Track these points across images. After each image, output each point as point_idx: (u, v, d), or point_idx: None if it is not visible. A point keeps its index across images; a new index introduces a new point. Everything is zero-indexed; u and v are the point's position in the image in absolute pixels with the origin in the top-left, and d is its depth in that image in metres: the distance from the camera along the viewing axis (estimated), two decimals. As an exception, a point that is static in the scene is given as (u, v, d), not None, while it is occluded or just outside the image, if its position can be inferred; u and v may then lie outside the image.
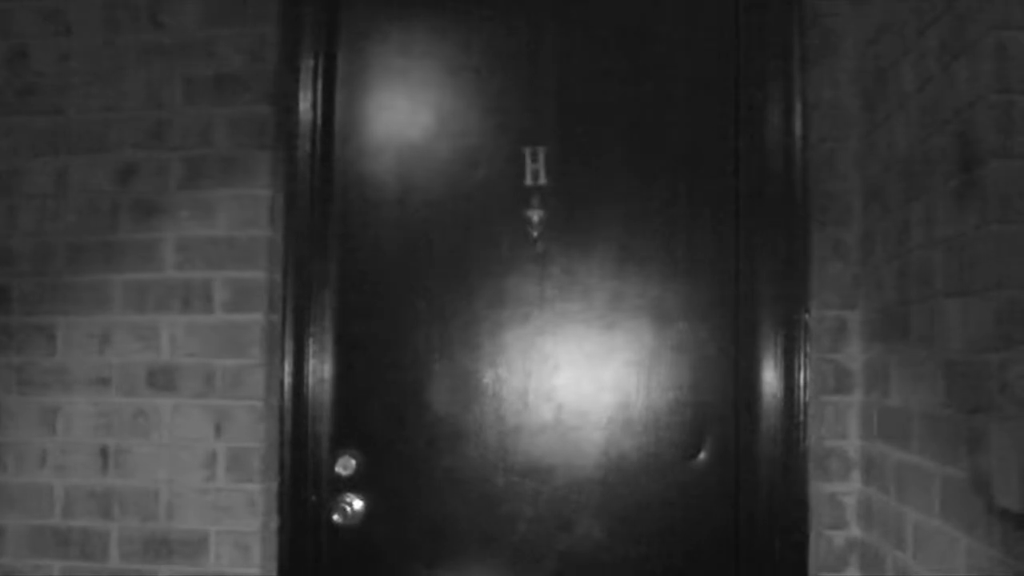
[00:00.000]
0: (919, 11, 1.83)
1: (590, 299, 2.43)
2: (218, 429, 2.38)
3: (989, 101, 1.52)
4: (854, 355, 2.24)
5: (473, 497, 2.44)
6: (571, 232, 2.45)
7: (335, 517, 2.42)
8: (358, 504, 2.46)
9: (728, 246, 2.40)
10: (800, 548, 2.26)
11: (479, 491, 2.44)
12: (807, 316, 2.29)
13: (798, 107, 2.34)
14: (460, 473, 2.45)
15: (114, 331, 2.43)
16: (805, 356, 2.29)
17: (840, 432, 2.24)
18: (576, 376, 2.42)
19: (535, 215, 2.45)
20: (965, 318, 1.61)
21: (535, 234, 2.45)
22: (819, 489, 2.24)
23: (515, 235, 2.45)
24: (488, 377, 2.43)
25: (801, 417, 2.29)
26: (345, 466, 2.46)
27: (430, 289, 2.48)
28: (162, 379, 2.41)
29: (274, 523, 2.42)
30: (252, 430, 2.37)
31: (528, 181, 2.47)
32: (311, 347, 2.47)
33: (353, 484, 2.47)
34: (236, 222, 2.40)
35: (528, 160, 2.47)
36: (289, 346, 2.45)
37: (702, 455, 2.37)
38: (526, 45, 2.52)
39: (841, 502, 2.22)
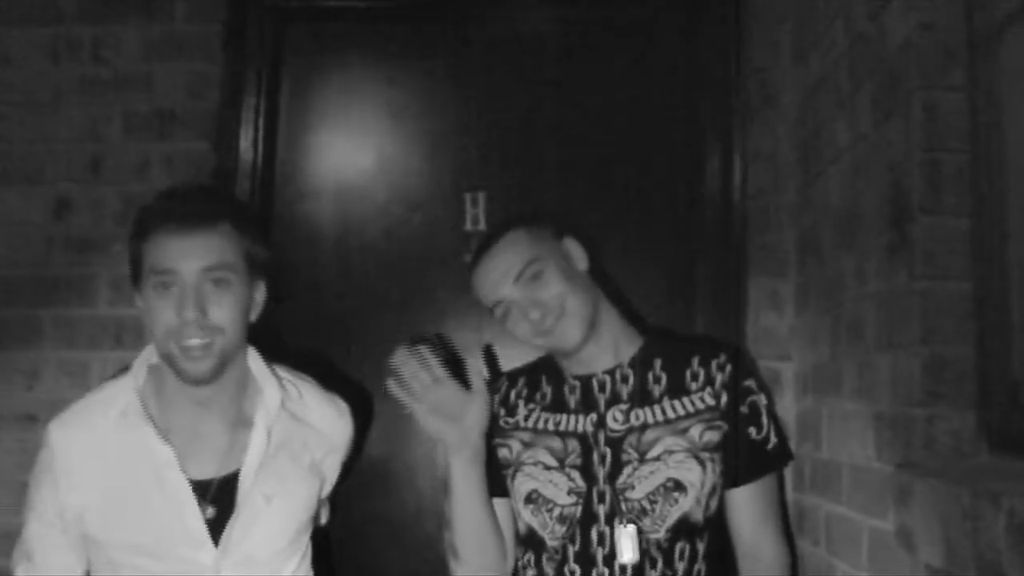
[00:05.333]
0: (853, 68, 1.86)
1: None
2: (147, 470, 2.31)
3: (918, 159, 1.54)
4: (788, 407, 2.24)
5: (406, 542, 2.42)
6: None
7: None
8: None
9: (669, 295, 2.41)
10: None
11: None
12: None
13: (737, 159, 2.37)
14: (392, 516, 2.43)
15: (43, 367, 2.37)
16: (741, 406, 2.29)
17: (773, 484, 2.23)
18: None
19: None
20: (894, 372, 1.62)
21: None
22: (752, 540, 2.22)
23: (454, 279, 2.42)
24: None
25: (736, 468, 2.28)
26: None
27: (368, 332, 2.45)
28: (91, 418, 2.34)
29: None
30: (182, 472, 2.30)
31: (468, 226, 2.46)
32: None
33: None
34: (172, 260, 2.35)
35: (468, 205, 2.46)
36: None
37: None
38: (469, 90, 2.53)
39: (774, 554, 2.21)
